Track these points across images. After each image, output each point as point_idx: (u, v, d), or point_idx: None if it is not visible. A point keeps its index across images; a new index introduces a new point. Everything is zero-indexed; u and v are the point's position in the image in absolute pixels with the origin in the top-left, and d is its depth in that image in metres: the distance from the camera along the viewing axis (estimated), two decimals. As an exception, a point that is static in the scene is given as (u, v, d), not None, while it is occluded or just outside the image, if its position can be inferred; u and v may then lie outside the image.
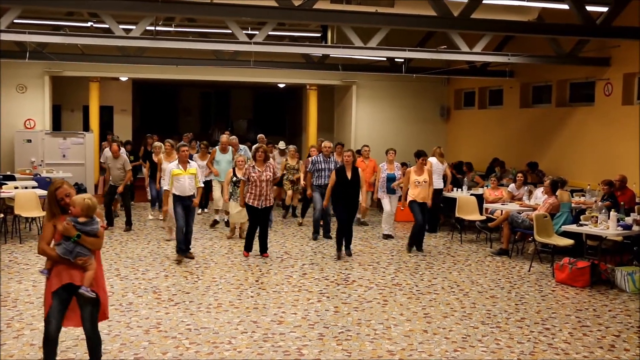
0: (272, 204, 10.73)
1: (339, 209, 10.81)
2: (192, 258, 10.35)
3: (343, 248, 10.85)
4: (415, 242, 11.44)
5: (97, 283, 5.46)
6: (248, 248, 10.70)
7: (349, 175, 10.76)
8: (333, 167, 11.82)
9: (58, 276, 5.32)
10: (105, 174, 13.51)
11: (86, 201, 5.32)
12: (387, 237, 12.53)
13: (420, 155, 11.52)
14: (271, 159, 11.14)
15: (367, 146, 14.33)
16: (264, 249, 10.71)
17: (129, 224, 13.03)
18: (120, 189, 12.79)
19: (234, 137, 14.64)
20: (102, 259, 10.08)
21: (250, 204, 10.46)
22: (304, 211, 14.07)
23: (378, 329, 7.16)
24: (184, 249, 10.25)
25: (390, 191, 12.49)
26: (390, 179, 12.46)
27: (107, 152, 13.87)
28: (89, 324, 5.43)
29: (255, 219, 10.58)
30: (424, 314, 7.75)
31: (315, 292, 8.63)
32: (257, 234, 10.66)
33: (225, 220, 13.25)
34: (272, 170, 10.63)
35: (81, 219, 5.32)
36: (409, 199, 11.36)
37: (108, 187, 13.06)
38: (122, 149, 13.40)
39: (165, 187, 10.30)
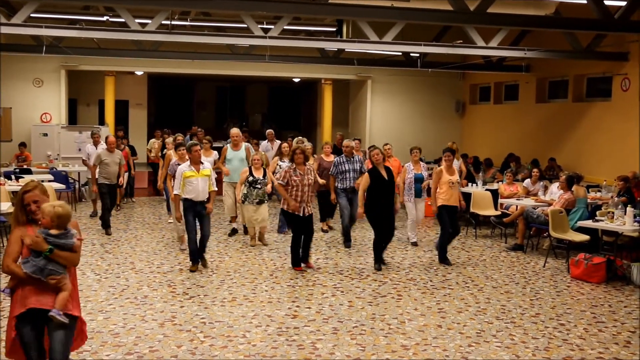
0: (312, 211, 9.51)
1: (376, 215, 9.46)
2: (205, 267, 9.37)
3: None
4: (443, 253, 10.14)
5: (73, 303, 4.63)
6: (297, 263, 9.42)
7: (384, 174, 9.46)
8: (358, 168, 10.99)
9: (22, 300, 4.44)
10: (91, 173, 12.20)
11: (56, 209, 4.49)
12: (414, 244, 11.34)
13: (445, 151, 10.34)
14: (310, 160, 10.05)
15: (389, 144, 12.70)
16: (306, 258, 9.58)
17: (107, 226, 11.78)
18: (121, 185, 12.12)
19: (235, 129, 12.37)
20: (117, 252, 10.32)
21: (292, 211, 9.30)
22: (324, 215, 12.57)
23: (392, 324, 7.16)
24: (197, 259, 9.30)
25: (417, 195, 11.18)
26: (419, 179, 11.17)
27: (89, 147, 13.57)
28: (60, 355, 4.46)
29: (299, 229, 9.38)
30: (438, 309, 7.74)
31: (330, 286, 8.64)
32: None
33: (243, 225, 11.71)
34: (313, 173, 9.58)
35: (53, 231, 4.49)
36: (439, 203, 9.91)
37: (103, 187, 11.67)
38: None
39: (176, 191, 9.19)
